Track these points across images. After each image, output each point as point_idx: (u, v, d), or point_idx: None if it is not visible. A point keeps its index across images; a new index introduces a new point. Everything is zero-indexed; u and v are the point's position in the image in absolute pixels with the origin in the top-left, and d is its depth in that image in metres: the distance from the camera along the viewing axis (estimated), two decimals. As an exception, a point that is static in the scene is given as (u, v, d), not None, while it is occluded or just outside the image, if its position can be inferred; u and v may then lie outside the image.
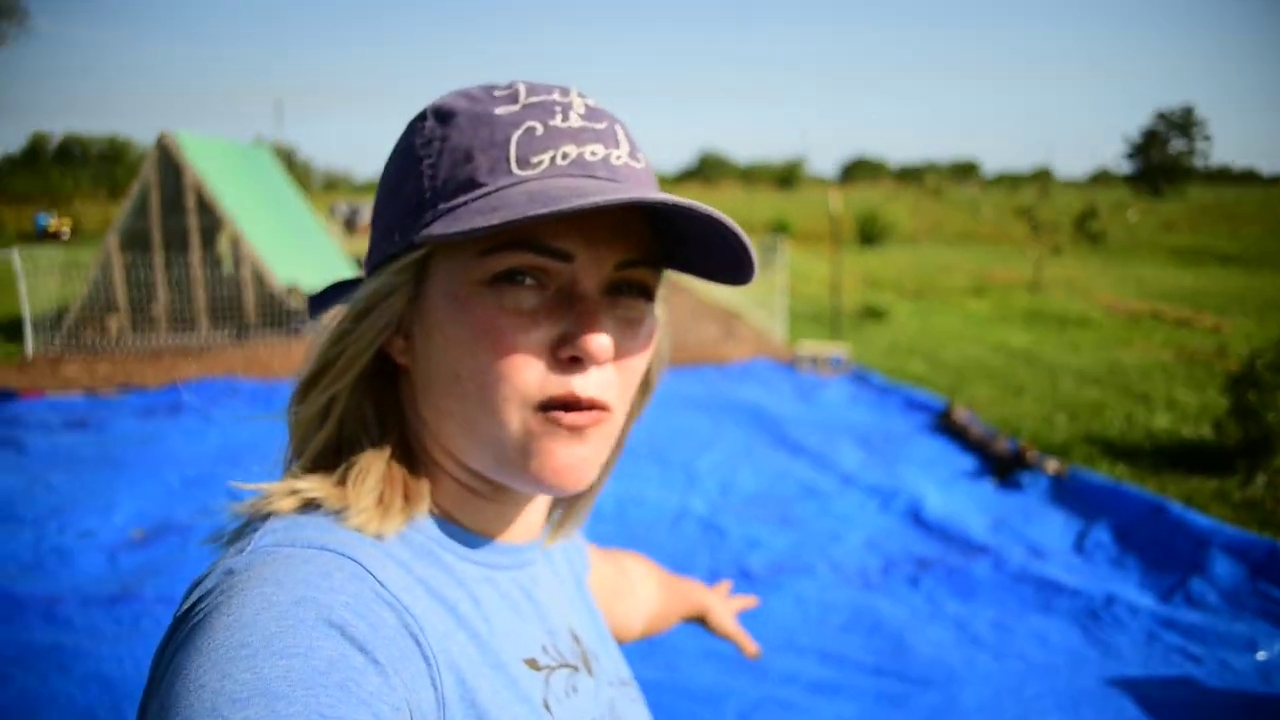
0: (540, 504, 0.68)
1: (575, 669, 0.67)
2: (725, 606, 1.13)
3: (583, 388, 0.56)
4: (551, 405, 0.55)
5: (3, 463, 5.02)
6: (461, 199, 0.54)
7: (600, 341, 0.54)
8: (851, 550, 3.89)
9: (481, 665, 0.56)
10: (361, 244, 14.90)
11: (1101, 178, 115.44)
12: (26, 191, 48.68)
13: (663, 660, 3.00)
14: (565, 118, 0.57)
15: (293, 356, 8.07)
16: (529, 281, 0.55)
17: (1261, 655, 2.99)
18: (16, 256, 8.50)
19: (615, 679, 0.74)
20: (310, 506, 0.57)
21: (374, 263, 0.59)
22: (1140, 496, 4.15)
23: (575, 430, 0.56)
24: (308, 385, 0.59)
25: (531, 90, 0.58)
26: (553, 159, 0.55)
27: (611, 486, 4.04)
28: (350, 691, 0.43)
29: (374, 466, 0.59)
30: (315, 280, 9.50)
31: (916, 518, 4.25)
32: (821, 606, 3.38)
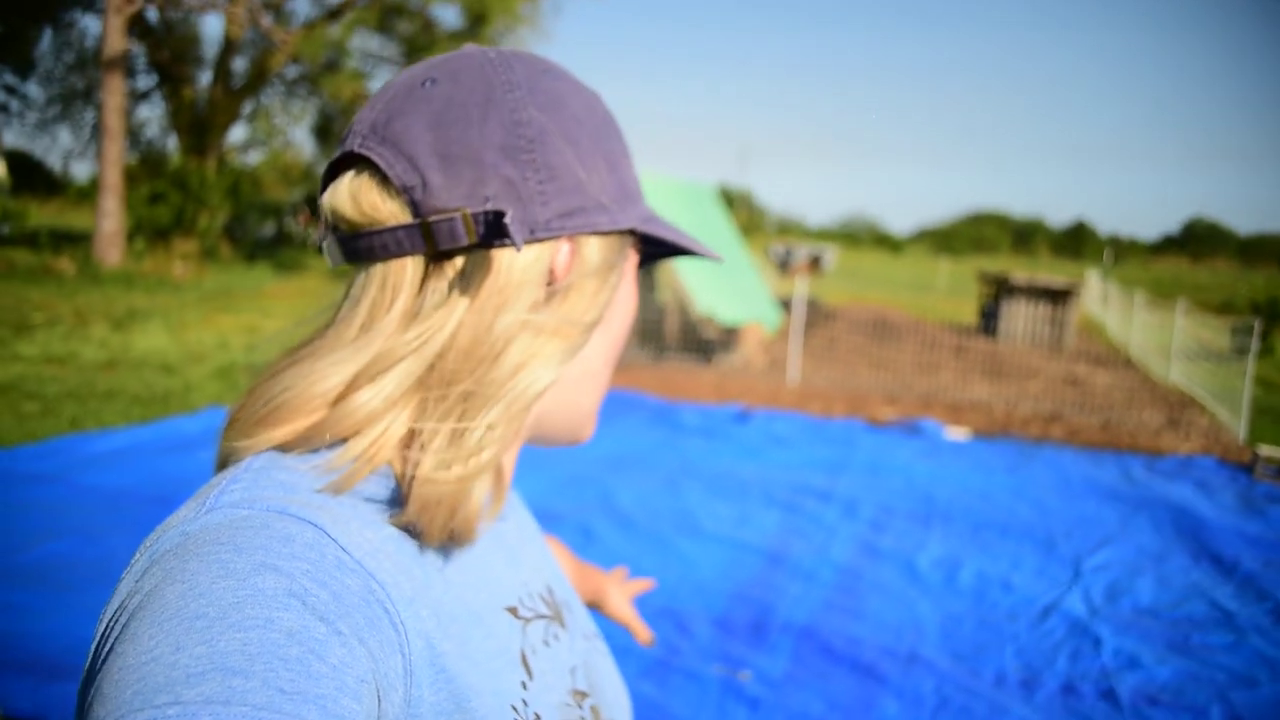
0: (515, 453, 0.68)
1: (550, 619, 0.67)
2: (621, 591, 1.10)
3: None
4: None
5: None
6: (645, 206, 0.65)
7: None
8: (1263, 703, 3.10)
9: (453, 623, 0.54)
10: (789, 285, 15.32)
11: None
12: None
13: None
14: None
15: (698, 382, 8.53)
16: None
17: None
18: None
19: (585, 632, 0.75)
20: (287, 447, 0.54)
21: (589, 221, 0.58)
22: None
23: None
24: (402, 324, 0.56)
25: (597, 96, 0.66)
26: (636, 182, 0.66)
27: (977, 561, 3.79)
28: (311, 665, 0.42)
29: (380, 421, 0.55)
30: (732, 312, 9.97)
31: (1376, 687, 3.27)
32: (1198, 761, 2.74)
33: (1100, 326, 18.66)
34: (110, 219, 14.21)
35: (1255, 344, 8.15)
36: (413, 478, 0.53)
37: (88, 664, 0.44)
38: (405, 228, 0.55)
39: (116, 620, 0.44)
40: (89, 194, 18.29)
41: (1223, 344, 11.34)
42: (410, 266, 0.56)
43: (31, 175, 35.46)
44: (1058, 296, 14.06)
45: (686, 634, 3.32)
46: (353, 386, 0.54)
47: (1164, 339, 11.48)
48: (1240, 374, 8.18)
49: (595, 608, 1.10)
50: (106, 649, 0.43)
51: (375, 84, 21.91)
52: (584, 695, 0.67)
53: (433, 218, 0.54)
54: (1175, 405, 9.20)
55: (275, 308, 12.14)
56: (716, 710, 2.85)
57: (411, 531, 0.54)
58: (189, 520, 0.48)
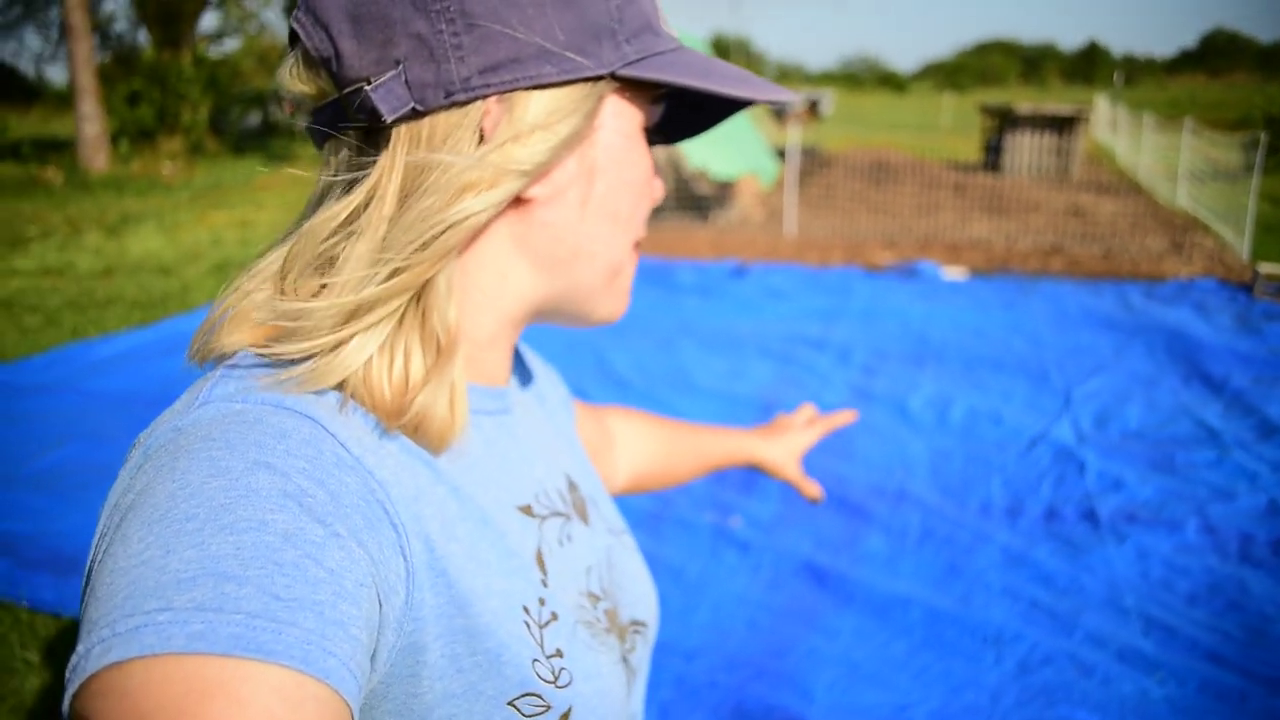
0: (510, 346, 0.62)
1: (568, 517, 0.65)
2: (787, 450, 1.04)
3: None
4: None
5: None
6: (652, 45, 0.54)
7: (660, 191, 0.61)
8: (1239, 513, 3.20)
9: (460, 523, 0.52)
10: (784, 134, 15.00)
11: None
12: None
13: (960, 591, 2.78)
14: None
15: (694, 240, 8.48)
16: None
17: None
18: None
19: (612, 527, 0.73)
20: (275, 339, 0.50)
21: (525, 74, 0.49)
22: None
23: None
24: (374, 245, 0.51)
25: None
26: (664, 24, 0.57)
27: (968, 398, 3.83)
28: (308, 569, 0.40)
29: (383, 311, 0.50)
30: (726, 167, 9.79)
31: (1353, 491, 3.36)
32: (1170, 570, 2.85)
33: (1109, 154, 18.21)
34: (91, 123, 13.92)
35: (1259, 159, 7.94)
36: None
37: (88, 560, 0.43)
38: (328, 105, 0.51)
39: (111, 519, 0.43)
40: (67, 98, 17.85)
41: (1233, 162, 11.06)
42: (345, 148, 0.52)
43: (6, 84, 34.57)
44: (1063, 125, 13.65)
45: (679, 487, 3.43)
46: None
47: (1173, 161, 11.21)
48: (1247, 191, 8.03)
49: (750, 466, 1.05)
50: (103, 548, 0.41)
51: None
52: (597, 598, 0.64)
53: (346, 90, 0.49)
54: (1180, 229, 9.08)
55: (267, 199, 12.01)
56: (709, 555, 2.98)
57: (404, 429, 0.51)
58: (181, 414, 0.46)
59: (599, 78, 0.52)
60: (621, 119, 0.55)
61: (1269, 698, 2.27)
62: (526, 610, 0.54)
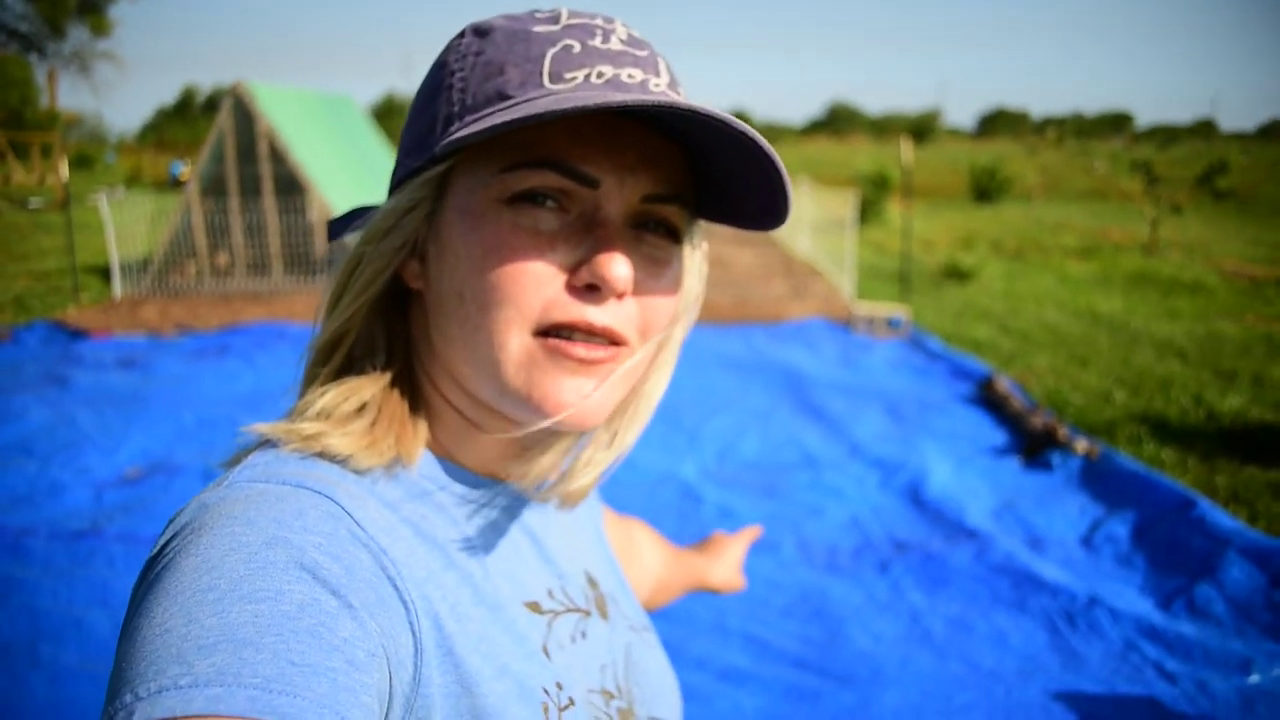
0: (551, 447, 0.61)
1: (586, 614, 0.65)
2: (721, 565, 1.09)
3: (597, 316, 0.52)
4: (558, 331, 0.52)
5: (43, 398, 5.28)
6: (487, 111, 0.52)
7: (619, 268, 0.51)
8: (827, 527, 3.63)
9: (470, 608, 0.53)
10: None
11: (1274, 129, 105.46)
12: (175, 140, 51.63)
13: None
14: (605, 40, 0.54)
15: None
16: (549, 204, 0.53)
17: (1255, 678, 2.60)
18: (104, 202, 8.92)
19: (634, 624, 0.73)
20: (303, 440, 0.54)
21: (397, 181, 0.57)
22: (1169, 487, 3.71)
23: (586, 364, 0.53)
24: (327, 310, 0.58)
25: (574, 14, 0.56)
26: (587, 76, 0.52)
27: None
28: (322, 637, 0.42)
29: (371, 397, 0.57)
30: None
31: (915, 496, 3.93)
32: (769, 587, 3.15)
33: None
34: None
35: (852, 213, 9.22)
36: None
37: (120, 632, 0.44)
38: None
39: (140, 589, 0.45)
40: None
41: (844, 215, 12.75)
42: None
43: None
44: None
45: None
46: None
47: (799, 214, 12.69)
48: (852, 241, 9.27)
49: (702, 590, 1.08)
50: (131, 616, 0.43)
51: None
52: (611, 695, 0.64)
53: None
54: (801, 275, 10.27)
55: None
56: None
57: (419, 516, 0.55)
58: (210, 492, 0.49)
59: (429, 163, 0.55)
60: (460, 194, 0.54)
61: (839, 693, 2.57)
62: (546, 692, 0.55)
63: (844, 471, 4.20)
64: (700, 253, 0.63)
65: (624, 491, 4.00)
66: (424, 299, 0.58)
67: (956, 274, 9.92)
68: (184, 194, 9.31)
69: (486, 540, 0.59)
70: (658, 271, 0.56)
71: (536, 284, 0.52)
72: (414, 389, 0.60)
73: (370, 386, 0.57)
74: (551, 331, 0.52)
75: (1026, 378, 5.86)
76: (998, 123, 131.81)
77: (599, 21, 0.55)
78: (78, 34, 19.54)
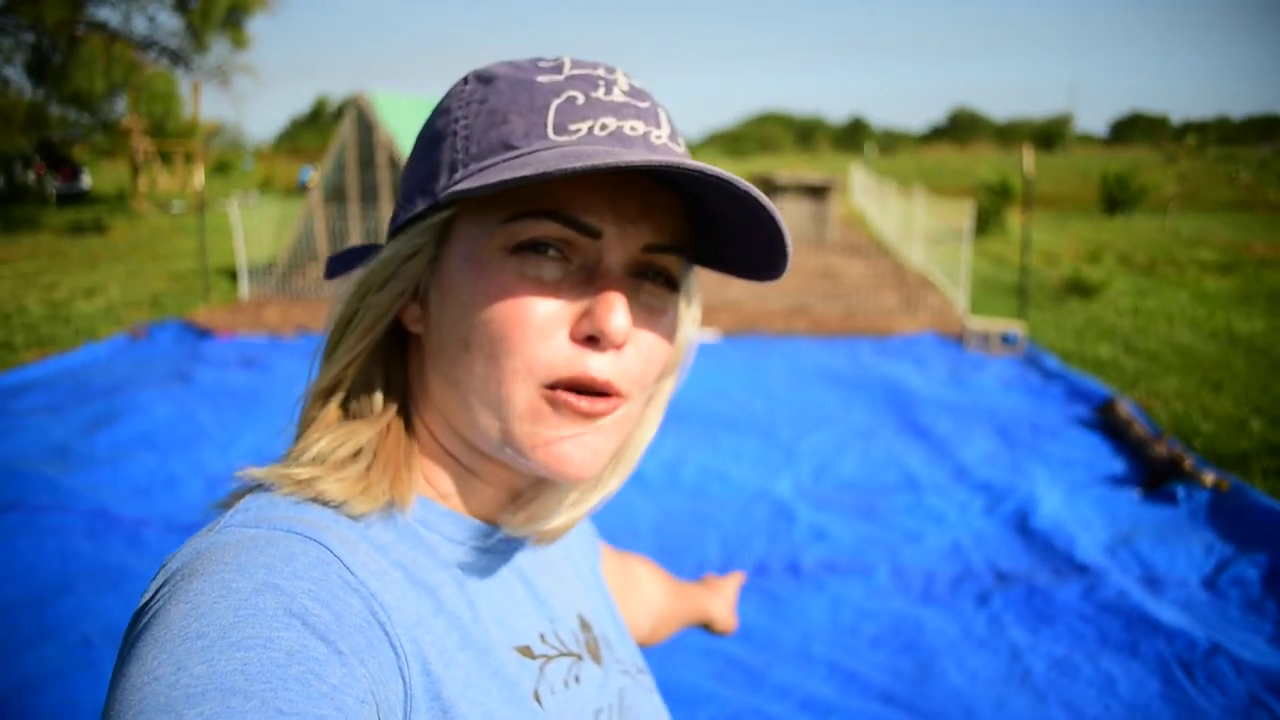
0: (543, 492, 0.63)
1: (579, 658, 0.66)
2: (724, 605, 1.11)
3: (599, 369, 0.54)
4: (562, 385, 0.54)
5: (169, 394, 5.57)
6: (492, 160, 0.53)
7: (618, 320, 0.52)
8: (926, 554, 3.47)
9: (457, 653, 0.54)
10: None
11: None
12: (307, 147, 54.20)
13: (662, 651, 2.82)
14: (608, 91, 0.55)
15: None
16: (552, 253, 0.54)
17: (1401, 746, 2.35)
18: (235, 207, 9.40)
19: (628, 667, 0.73)
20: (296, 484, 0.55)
21: (397, 225, 0.58)
22: (1308, 527, 3.41)
23: (588, 416, 0.54)
24: (325, 354, 0.59)
25: (577, 64, 0.57)
26: (590, 129, 0.53)
27: (701, 458, 3.83)
28: (311, 684, 0.42)
29: (366, 441, 0.57)
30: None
31: (1023, 525, 3.73)
32: (859, 615, 3.04)
33: (863, 218, 19.82)
34: None
35: (968, 223, 8.89)
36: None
37: (110, 678, 0.45)
38: None
39: (130, 635, 0.45)
40: None
41: (960, 225, 12.33)
42: None
43: None
44: (819, 193, 14.75)
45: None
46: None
47: (911, 224, 12.34)
48: (970, 253, 8.94)
49: (705, 628, 1.10)
50: (121, 663, 0.44)
51: (92, 9, 19.58)
52: None
53: None
54: (913, 287, 9.96)
55: (3, 271, 10.88)
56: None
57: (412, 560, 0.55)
58: (202, 538, 0.49)
59: (433, 209, 0.56)
60: (463, 242, 0.55)
61: (926, 732, 2.44)
62: None
63: (947, 495, 4.03)
64: (695, 303, 0.65)
65: (713, 507, 3.94)
66: (423, 343, 0.59)
67: (1080, 289, 9.43)
68: (307, 200, 9.72)
69: (478, 584, 0.59)
70: (655, 320, 0.57)
71: (541, 335, 0.53)
72: (411, 433, 0.61)
73: (366, 431, 0.57)
74: (554, 384, 0.54)
75: (1151, 402, 5.51)
76: (1133, 128, 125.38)
77: (601, 72, 0.57)
78: (219, 48, 20.63)
